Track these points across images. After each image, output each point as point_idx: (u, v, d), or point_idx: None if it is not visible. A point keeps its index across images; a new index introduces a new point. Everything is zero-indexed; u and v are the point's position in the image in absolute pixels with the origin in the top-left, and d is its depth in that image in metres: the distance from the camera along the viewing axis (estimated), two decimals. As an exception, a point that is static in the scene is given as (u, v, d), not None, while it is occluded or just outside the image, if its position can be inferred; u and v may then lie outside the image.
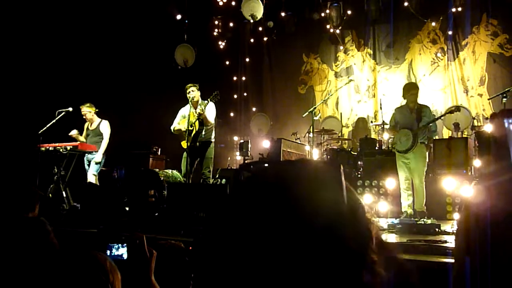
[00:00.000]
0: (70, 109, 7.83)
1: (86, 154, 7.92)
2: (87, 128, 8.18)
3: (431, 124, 6.80)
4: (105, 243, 2.03)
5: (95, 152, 7.85)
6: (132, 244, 1.91)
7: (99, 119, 8.15)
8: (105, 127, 8.05)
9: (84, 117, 8.06)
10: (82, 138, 8.01)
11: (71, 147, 7.47)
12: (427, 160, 7.09)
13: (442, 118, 7.85)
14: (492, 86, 9.58)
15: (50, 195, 7.25)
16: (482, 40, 9.89)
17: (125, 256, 1.98)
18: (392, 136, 7.41)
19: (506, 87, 7.55)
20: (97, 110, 8.14)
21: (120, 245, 2.01)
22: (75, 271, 1.46)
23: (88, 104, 8.05)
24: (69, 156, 7.56)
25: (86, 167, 7.94)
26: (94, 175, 7.80)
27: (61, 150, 7.44)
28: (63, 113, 7.76)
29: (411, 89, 6.97)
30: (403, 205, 6.91)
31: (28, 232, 2.35)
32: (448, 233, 5.20)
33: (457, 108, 7.20)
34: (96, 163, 7.81)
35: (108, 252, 2.01)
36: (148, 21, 10.11)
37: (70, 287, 1.40)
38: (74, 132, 7.89)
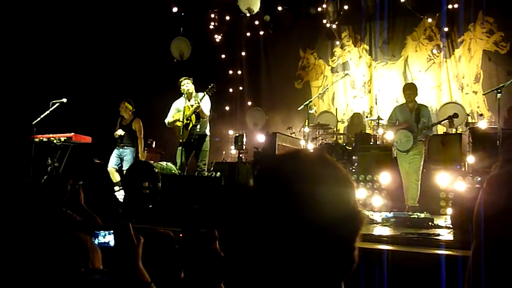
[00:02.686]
0: (64, 100, 7.79)
1: (119, 149, 8.14)
2: (120, 123, 8.36)
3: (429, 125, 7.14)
4: (92, 231, 2.02)
5: (127, 147, 8.11)
6: (118, 231, 1.90)
7: (133, 116, 8.38)
8: (137, 125, 8.29)
9: (120, 109, 8.35)
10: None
11: (65, 138, 7.44)
12: (423, 156, 7.22)
13: (441, 123, 7.97)
14: (487, 84, 9.56)
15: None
16: (477, 38, 9.86)
17: (112, 244, 1.97)
18: (388, 132, 7.65)
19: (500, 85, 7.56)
20: (134, 109, 8.38)
21: (106, 232, 1.99)
22: (57, 248, 1.47)
23: (128, 100, 8.36)
24: (63, 147, 7.53)
25: (114, 159, 8.10)
26: None
27: (54, 141, 7.41)
28: (57, 104, 7.72)
29: (406, 89, 7.39)
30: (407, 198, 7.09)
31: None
32: (441, 227, 5.23)
33: (455, 115, 7.31)
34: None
35: (96, 239, 2.00)
36: (144, 13, 10.05)
37: (53, 262, 1.42)
38: (120, 132, 8.24)
